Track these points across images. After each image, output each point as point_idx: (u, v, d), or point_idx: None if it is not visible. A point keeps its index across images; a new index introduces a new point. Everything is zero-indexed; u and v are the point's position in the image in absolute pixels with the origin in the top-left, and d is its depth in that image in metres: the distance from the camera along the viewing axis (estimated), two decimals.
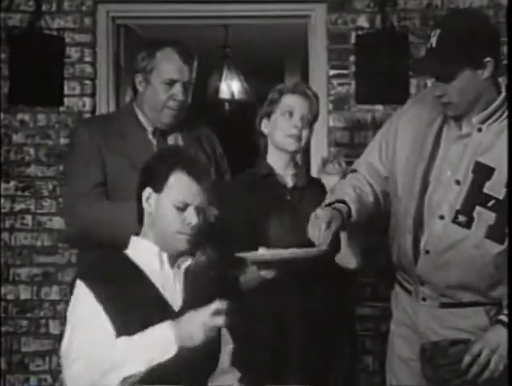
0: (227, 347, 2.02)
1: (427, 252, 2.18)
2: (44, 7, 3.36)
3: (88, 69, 3.38)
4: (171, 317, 1.83)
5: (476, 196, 2.11)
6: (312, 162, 3.41)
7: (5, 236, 3.34)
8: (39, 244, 3.34)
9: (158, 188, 1.93)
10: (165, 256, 1.95)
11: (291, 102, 2.41)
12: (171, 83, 2.46)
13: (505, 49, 3.14)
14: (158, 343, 1.76)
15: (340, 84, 3.37)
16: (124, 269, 1.92)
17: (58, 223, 3.31)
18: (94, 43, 3.39)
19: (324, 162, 2.54)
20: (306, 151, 3.67)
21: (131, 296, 1.84)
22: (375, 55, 3.28)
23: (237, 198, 2.37)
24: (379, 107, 3.34)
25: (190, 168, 1.92)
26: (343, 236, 2.30)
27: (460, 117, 2.15)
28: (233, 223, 2.32)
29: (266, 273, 2.21)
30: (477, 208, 2.11)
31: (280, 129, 2.41)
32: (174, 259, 1.96)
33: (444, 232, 2.15)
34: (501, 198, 2.09)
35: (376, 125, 3.16)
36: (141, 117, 2.52)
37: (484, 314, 2.19)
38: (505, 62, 3.20)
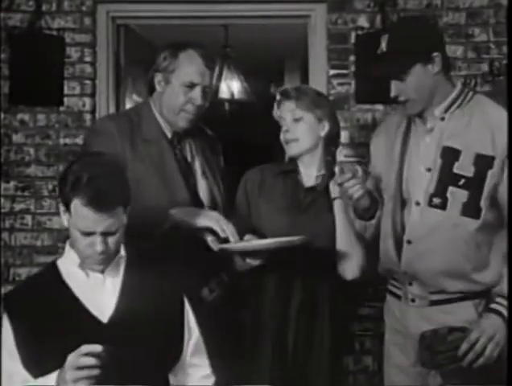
0: (192, 337, 2.00)
1: (409, 242, 2.25)
2: (44, 7, 3.35)
3: (88, 69, 3.38)
4: (98, 331, 1.83)
5: (447, 178, 2.23)
6: None
7: (5, 235, 3.34)
8: (38, 243, 3.34)
9: (67, 206, 1.89)
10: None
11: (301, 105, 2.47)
12: (192, 86, 2.43)
13: (505, 49, 3.19)
14: None
15: (340, 84, 3.37)
16: (49, 287, 1.90)
17: (58, 223, 3.32)
18: (94, 42, 3.39)
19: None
20: None
21: (53, 312, 1.83)
22: (375, 55, 3.28)
23: (252, 185, 2.46)
24: (379, 107, 3.34)
25: (87, 199, 1.83)
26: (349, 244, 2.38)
27: (422, 114, 2.28)
28: (238, 207, 2.46)
29: (252, 261, 2.28)
30: (450, 188, 2.22)
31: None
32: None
33: (422, 218, 2.24)
34: (470, 175, 2.21)
35: (376, 125, 3.16)
36: (159, 120, 2.49)
37: (472, 308, 2.25)
38: (505, 62, 3.23)
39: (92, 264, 1.92)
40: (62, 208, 1.91)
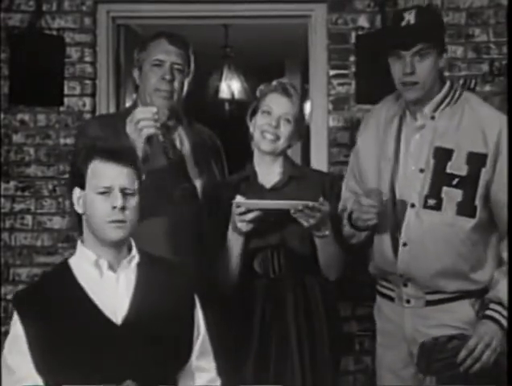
0: (199, 336, 1.99)
1: (405, 244, 2.24)
2: (44, 7, 3.35)
3: (89, 69, 3.38)
4: (111, 332, 1.83)
5: (440, 178, 2.22)
6: (312, 162, 3.41)
7: (5, 236, 3.33)
8: (39, 244, 3.34)
9: (82, 185, 1.92)
10: (104, 263, 1.92)
11: (269, 101, 2.41)
12: (160, 64, 2.52)
13: (505, 49, 3.19)
14: None
15: (340, 84, 3.37)
16: (62, 283, 1.90)
17: (58, 223, 3.32)
18: (94, 42, 3.39)
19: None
20: (306, 151, 3.68)
21: (67, 313, 1.82)
22: (375, 55, 3.27)
23: (220, 198, 2.40)
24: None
25: (105, 154, 1.91)
26: (329, 249, 2.35)
27: (416, 107, 2.27)
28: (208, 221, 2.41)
29: (242, 226, 2.25)
30: (444, 188, 2.21)
31: (258, 129, 2.41)
32: (118, 260, 1.93)
33: (417, 219, 2.23)
34: (464, 174, 2.20)
35: None
36: None
37: (469, 306, 2.24)
38: (504, 63, 3.23)
39: (112, 231, 1.89)
40: (76, 193, 1.93)
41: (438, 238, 2.21)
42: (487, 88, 3.28)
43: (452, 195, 2.20)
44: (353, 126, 3.35)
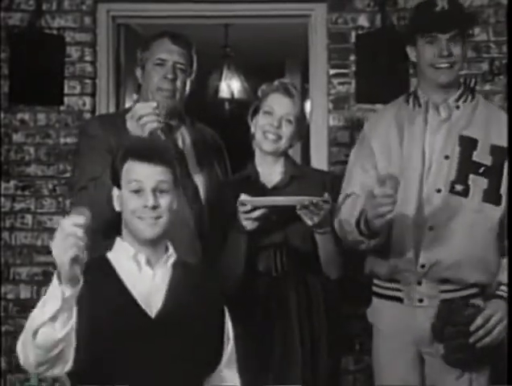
0: (228, 346, 1.99)
1: (431, 228, 2.24)
2: (44, 6, 3.35)
3: (89, 68, 3.38)
4: (146, 325, 1.83)
5: (467, 165, 2.26)
6: (312, 161, 3.41)
7: (5, 235, 3.33)
8: (39, 243, 3.34)
9: (119, 184, 1.95)
10: (143, 258, 1.93)
11: (271, 101, 2.42)
12: (162, 63, 2.52)
13: (505, 48, 3.18)
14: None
15: (341, 84, 3.37)
16: (101, 275, 1.88)
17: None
18: (94, 42, 3.39)
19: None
20: (306, 150, 3.68)
21: (104, 304, 1.81)
22: (375, 54, 3.28)
23: (222, 197, 2.41)
24: (379, 106, 3.32)
25: (139, 154, 1.92)
26: (329, 248, 2.35)
27: (438, 100, 2.33)
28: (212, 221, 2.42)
29: (248, 224, 2.25)
30: (471, 176, 2.25)
31: (260, 129, 2.42)
32: (155, 257, 1.95)
33: (444, 204, 2.24)
34: (489, 164, 2.26)
35: None
36: None
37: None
38: (504, 62, 3.23)
39: (145, 228, 1.90)
40: (115, 192, 1.97)
41: (465, 223, 2.23)
42: (487, 87, 3.28)
43: (478, 183, 2.25)
44: (353, 125, 3.35)
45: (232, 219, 2.30)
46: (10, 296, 3.32)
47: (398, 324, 2.32)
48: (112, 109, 3.40)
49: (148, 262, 1.94)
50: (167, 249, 1.99)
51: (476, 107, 2.35)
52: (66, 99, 3.36)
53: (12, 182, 3.34)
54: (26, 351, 1.69)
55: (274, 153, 2.43)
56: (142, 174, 1.91)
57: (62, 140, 3.35)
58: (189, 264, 2.04)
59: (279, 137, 2.40)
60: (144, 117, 2.23)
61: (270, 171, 2.45)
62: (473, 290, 2.26)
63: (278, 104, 2.41)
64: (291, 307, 2.35)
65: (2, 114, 3.34)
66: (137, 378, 1.78)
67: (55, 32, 3.36)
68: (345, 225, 2.31)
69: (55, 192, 3.33)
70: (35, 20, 3.34)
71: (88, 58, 3.38)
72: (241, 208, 2.24)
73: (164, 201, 1.92)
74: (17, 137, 3.36)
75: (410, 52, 2.39)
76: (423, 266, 2.26)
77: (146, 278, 1.92)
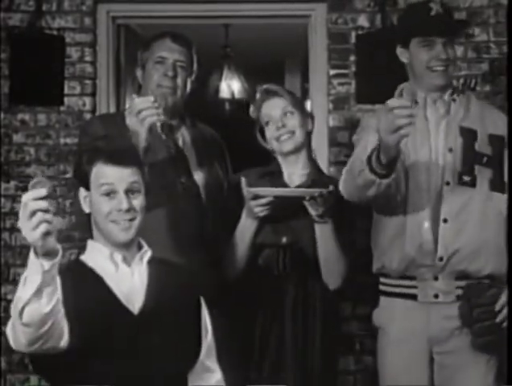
0: (207, 336, 2.00)
1: (445, 220, 2.27)
2: (44, 7, 3.35)
3: (89, 69, 3.38)
4: (129, 322, 1.84)
5: (471, 156, 2.31)
6: None
7: (5, 235, 3.34)
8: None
9: (87, 186, 1.94)
10: (119, 257, 1.93)
11: (266, 111, 2.46)
12: (162, 61, 2.53)
13: (505, 49, 3.18)
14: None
15: (341, 84, 3.37)
16: (80, 278, 1.88)
17: (58, 223, 3.31)
18: (94, 42, 3.39)
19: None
20: None
21: (87, 305, 1.79)
22: (375, 55, 3.28)
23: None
24: (379, 107, 3.33)
25: (107, 156, 1.91)
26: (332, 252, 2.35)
27: (435, 95, 2.36)
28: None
29: (259, 210, 2.29)
30: (476, 167, 2.30)
31: (273, 140, 2.47)
32: (131, 255, 1.95)
33: (454, 195, 2.28)
34: (490, 154, 2.31)
35: None
36: None
37: None
38: (504, 61, 3.23)
39: (119, 232, 1.91)
40: (82, 193, 1.95)
41: (476, 212, 2.28)
42: (487, 87, 3.28)
43: (483, 173, 2.30)
44: (353, 126, 3.34)
45: (237, 211, 2.34)
46: (10, 296, 3.31)
47: (410, 324, 2.31)
48: (112, 110, 3.41)
49: (125, 260, 1.94)
50: (140, 246, 1.99)
51: (470, 100, 2.41)
52: (66, 99, 3.36)
53: (12, 183, 3.34)
54: (16, 331, 1.67)
55: (296, 150, 2.46)
56: (114, 176, 1.90)
57: (62, 140, 3.35)
58: (164, 259, 2.05)
59: (292, 132, 2.44)
60: (143, 111, 2.23)
61: (293, 171, 2.48)
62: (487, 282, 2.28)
63: (273, 108, 2.45)
64: (286, 307, 2.35)
65: (2, 114, 3.34)
66: (123, 375, 1.78)
67: (55, 33, 3.36)
68: (356, 164, 2.16)
69: (55, 193, 3.33)
70: (35, 20, 3.34)
71: (88, 58, 3.38)
72: (249, 194, 2.28)
73: (137, 202, 1.92)
74: (17, 138, 3.36)
75: (401, 54, 2.41)
76: (441, 259, 2.27)
77: (124, 276, 1.93)
